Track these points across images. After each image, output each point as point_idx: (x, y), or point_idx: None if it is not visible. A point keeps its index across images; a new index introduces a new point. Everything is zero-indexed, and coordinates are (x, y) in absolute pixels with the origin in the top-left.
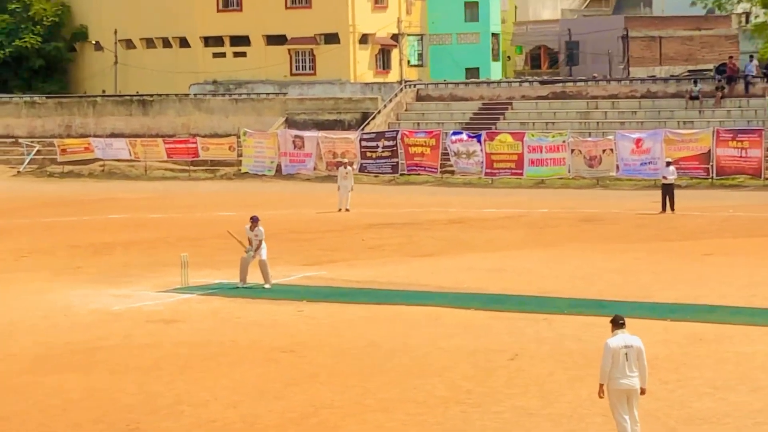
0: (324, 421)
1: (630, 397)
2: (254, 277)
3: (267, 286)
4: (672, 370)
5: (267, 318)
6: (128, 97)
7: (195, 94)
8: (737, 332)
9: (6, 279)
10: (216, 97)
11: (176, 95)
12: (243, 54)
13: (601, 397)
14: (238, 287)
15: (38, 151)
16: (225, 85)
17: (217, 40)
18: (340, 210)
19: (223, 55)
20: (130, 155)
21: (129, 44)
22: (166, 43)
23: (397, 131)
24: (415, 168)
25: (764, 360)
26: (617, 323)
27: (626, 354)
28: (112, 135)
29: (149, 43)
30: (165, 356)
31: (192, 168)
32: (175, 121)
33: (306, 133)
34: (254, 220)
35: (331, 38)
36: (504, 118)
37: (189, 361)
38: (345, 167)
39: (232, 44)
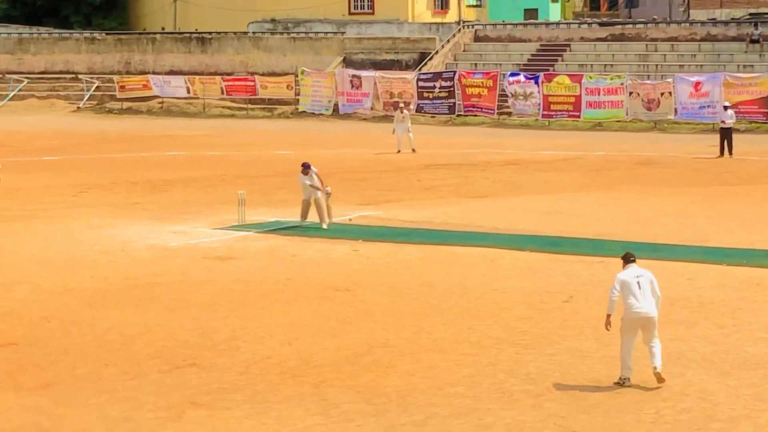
0: (378, 359)
1: (646, 326)
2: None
3: (324, 225)
4: (728, 315)
5: (322, 257)
6: (187, 35)
7: (253, 33)
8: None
9: (66, 214)
10: (274, 36)
11: (235, 33)
12: None
13: (607, 329)
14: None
15: (97, 87)
16: (283, 23)
17: None
18: (399, 151)
19: None
20: (189, 93)
21: None
22: None
23: (455, 72)
24: (471, 109)
25: None
26: (628, 259)
27: (638, 282)
28: (171, 72)
29: None
30: (221, 293)
31: (250, 106)
32: (233, 59)
33: (363, 73)
34: (306, 166)
35: None
36: (562, 60)
37: (245, 298)
38: (402, 110)
39: None
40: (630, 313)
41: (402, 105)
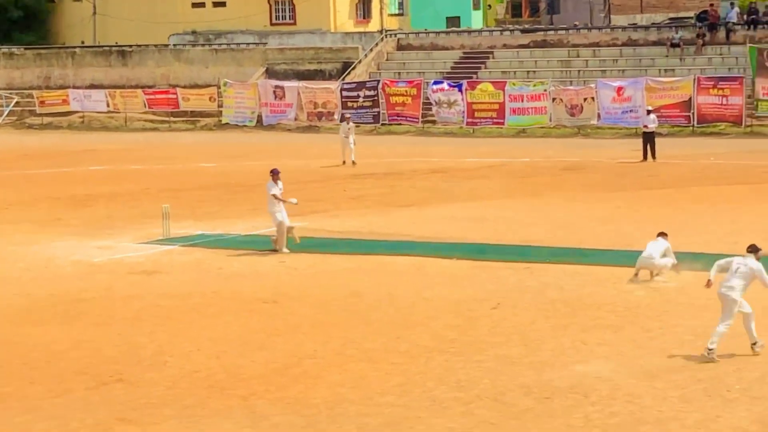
0: (307, 371)
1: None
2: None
3: (285, 250)
4: (654, 318)
5: (249, 269)
6: (107, 48)
7: (174, 45)
8: (718, 279)
9: None
10: (196, 48)
11: (156, 46)
12: (222, 4)
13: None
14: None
15: (17, 102)
16: (204, 35)
17: None
18: (344, 163)
19: (202, 5)
20: (109, 106)
21: None
22: None
23: (378, 81)
24: (396, 118)
25: None
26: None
27: (737, 269)
28: (92, 86)
29: None
30: (147, 307)
31: (172, 119)
32: (154, 71)
33: (286, 84)
34: (275, 173)
35: None
36: (485, 67)
37: (171, 312)
38: (348, 122)
39: None
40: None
41: (348, 116)
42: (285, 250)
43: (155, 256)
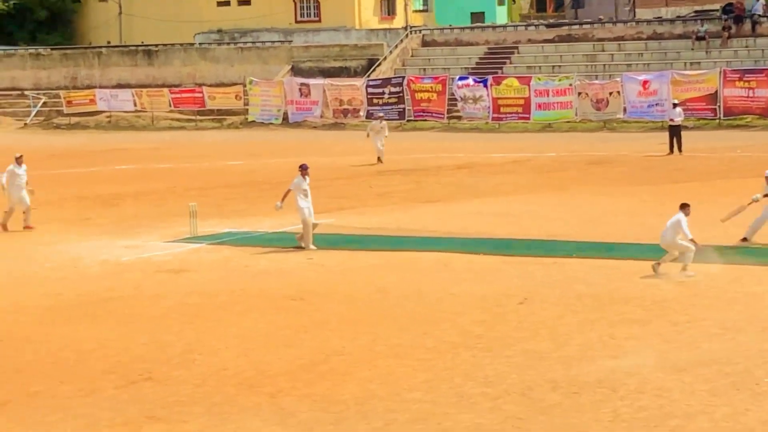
0: (334, 367)
1: None
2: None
3: (312, 246)
4: (681, 312)
5: (276, 266)
6: (133, 48)
7: (200, 44)
8: (746, 273)
9: (16, 231)
10: (221, 46)
11: (181, 45)
12: (247, 2)
13: None
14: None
15: (44, 103)
16: (230, 33)
17: None
18: (378, 159)
19: (227, 3)
20: (136, 106)
21: None
22: None
23: (404, 77)
24: (422, 114)
25: None
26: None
27: None
28: (118, 86)
29: None
30: (175, 306)
31: (198, 118)
32: (180, 70)
33: (312, 81)
34: (304, 168)
35: None
36: (510, 63)
37: (199, 310)
38: (380, 121)
39: None
40: None
41: (381, 115)
42: (312, 246)
43: (182, 255)
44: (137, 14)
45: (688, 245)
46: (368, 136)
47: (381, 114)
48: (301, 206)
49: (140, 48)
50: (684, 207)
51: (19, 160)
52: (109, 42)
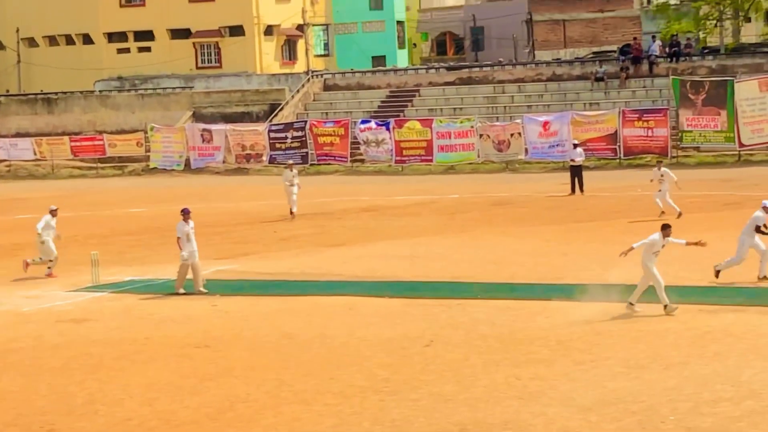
0: (240, 414)
1: None
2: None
3: (203, 289)
4: (585, 351)
5: (180, 314)
6: (32, 96)
7: (100, 91)
8: (649, 310)
9: None
10: (122, 93)
11: (81, 92)
12: (147, 49)
13: None
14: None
15: None
16: (130, 80)
17: (121, 36)
18: (291, 212)
19: (127, 50)
20: (36, 154)
21: (32, 42)
22: (70, 41)
23: (306, 121)
24: (325, 158)
25: (675, 338)
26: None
27: None
28: (18, 135)
29: (52, 40)
30: (77, 356)
31: (100, 165)
32: (81, 118)
33: (214, 127)
34: (186, 213)
35: (236, 30)
36: (412, 105)
37: (102, 359)
38: (291, 169)
39: (136, 39)
40: None
41: (290, 162)
42: (202, 289)
43: (84, 304)
44: (36, 62)
45: (652, 273)
46: (290, 185)
47: (291, 161)
48: (182, 251)
49: (40, 96)
50: (665, 228)
51: (53, 213)
52: (8, 90)
